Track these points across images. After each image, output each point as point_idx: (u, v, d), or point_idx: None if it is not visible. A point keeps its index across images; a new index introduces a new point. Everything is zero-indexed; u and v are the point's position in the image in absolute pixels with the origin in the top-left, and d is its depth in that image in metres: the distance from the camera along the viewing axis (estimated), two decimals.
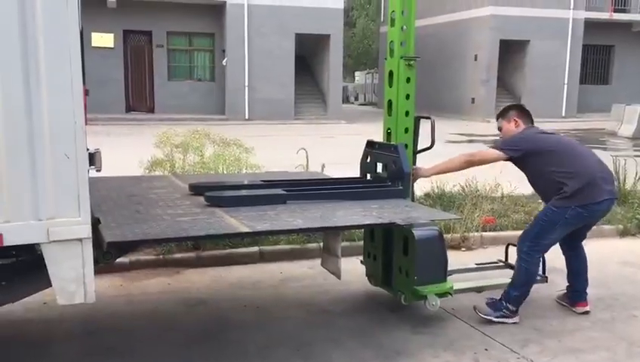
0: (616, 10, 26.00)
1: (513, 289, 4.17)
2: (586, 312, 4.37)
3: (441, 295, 4.10)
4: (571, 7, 24.44)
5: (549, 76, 24.26)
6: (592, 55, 27.11)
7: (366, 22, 47.23)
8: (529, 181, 4.37)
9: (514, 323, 4.15)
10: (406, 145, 4.33)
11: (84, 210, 2.69)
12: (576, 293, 4.42)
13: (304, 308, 4.52)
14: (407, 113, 4.34)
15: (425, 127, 4.41)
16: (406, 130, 4.36)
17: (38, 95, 2.55)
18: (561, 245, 4.39)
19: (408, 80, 4.30)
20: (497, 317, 4.15)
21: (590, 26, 25.10)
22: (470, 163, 4.32)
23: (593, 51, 27.09)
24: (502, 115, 4.41)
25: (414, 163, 4.44)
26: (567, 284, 4.48)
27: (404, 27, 4.26)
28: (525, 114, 4.35)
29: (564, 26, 24.50)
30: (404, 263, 4.16)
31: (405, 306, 4.26)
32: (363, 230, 4.87)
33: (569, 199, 3.99)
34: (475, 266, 4.94)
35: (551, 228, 4.09)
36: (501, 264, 4.92)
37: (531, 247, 4.15)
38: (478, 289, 4.51)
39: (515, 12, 23.69)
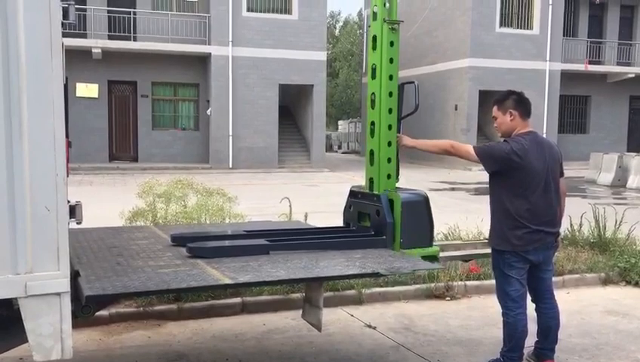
0: (591, 62, 26.84)
1: (503, 345, 4.10)
2: None
3: (427, 259, 4.04)
4: (547, 59, 25.18)
5: None
6: (569, 105, 27.79)
7: (348, 72, 48.27)
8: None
9: None
10: (390, 110, 4.28)
11: (64, 264, 2.64)
12: (543, 351, 4.25)
13: (287, 361, 4.43)
14: (390, 77, 4.27)
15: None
16: (390, 94, 4.29)
17: (20, 147, 2.54)
18: (530, 295, 4.20)
19: (392, 44, 4.26)
20: None
21: (567, 77, 25.83)
22: (449, 153, 4.22)
23: (570, 101, 27.79)
24: (499, 102, 4.09)
25: (399, 130, 4.37)
26: (536, 340, 4.28)
27: None
28: (523, 105, 4.05)
29: (542, 77, 25.16)
30: None
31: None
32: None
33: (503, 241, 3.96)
34: (462, 242, 4.95)
35: (503, 276, 4.01)
36: (486, 241, 4.84)
37: (504, 300, 4.05)
38: (465, 258, 4.47)
39: (492, 64, 24.32)
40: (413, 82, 4.40)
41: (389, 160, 4.33)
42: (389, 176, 4.34)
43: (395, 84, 4.33)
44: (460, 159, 4.28)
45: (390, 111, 4.30)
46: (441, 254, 4.28)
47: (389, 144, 4.32)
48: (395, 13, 4.30)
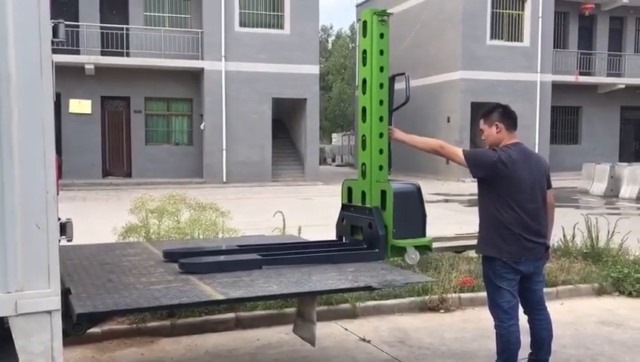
0: (581, 74, 27.06)
1: (497, 358, 4.07)
2: None
3: (420, 249, 4.04)
4: (538, 70, 25.37)
5: (520, 137, 24.06)
6: (561, 116, 27.99)
7: (342, 86, 48.43)
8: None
9: None
10: (381, 102, 4.32)
11: (54, 282, 2.63)
12: None
13: None
14: (381, 68, 4.32)
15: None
16: (381, 86, 4.34)
17: (10, 165, 2.54)
18: (522, 307, 4.17)
19: (382, 35, 4.32)
20: None
21: (558, 88, 26.02)
22: (438, 153, 4.20)
23: (562, 112, 28.00)
24: (485, 115, 4.14)
25: (390, 123, 4.40)
26: (530, 352, 4.24)
27: None
28: (509, 117, 4.09)
29: (533, 89, 25.34)
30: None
31: None
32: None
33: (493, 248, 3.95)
34: (454, 236, 4.97)
35: (494, 288, 3.99)
36: (477, 233, 4.84)
37: (496, 312, 4.02)
38: (458, 250, 4.47)
39: (484, 76, 24.46)
40: (403, 73, 4.45)
41: (381, 151, 4.35)
42: (380, 168, 4.36)
43: (386, 75, 4.37)
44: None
45: (381, 102, 4.33)
46: (435, 245, 4.29)
47: (381, 135, 4.34)
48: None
